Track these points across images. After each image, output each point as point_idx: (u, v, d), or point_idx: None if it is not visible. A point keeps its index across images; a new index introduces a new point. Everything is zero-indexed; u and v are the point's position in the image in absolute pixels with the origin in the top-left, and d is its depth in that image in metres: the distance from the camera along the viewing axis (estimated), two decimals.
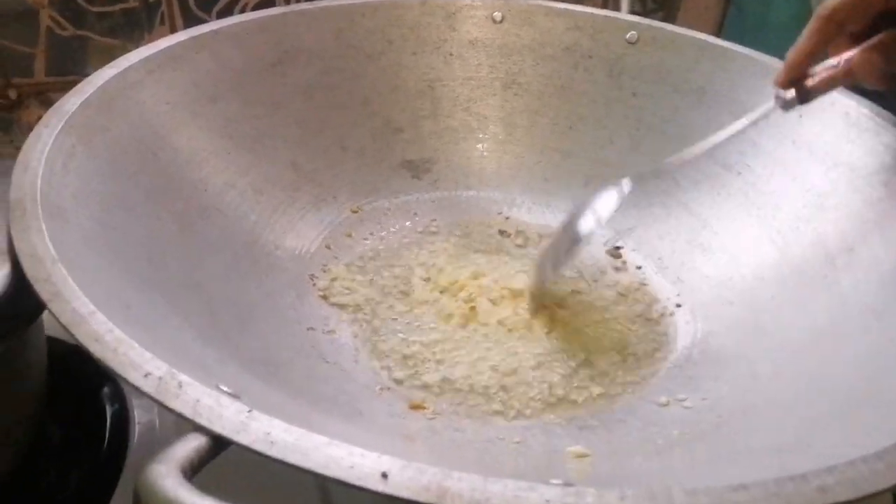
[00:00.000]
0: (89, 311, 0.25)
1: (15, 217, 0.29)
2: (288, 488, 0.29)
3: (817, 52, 0.36)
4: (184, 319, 0.32)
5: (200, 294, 0.36)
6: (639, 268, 0.50)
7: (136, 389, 0.22)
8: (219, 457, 0.21)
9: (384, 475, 0.20)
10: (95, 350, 0.23)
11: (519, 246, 0.52)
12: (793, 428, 0.31)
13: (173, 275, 0.36)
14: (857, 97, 0.46)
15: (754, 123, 0.39)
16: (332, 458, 0.20)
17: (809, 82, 0.37)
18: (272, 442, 0.21)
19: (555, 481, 0.21)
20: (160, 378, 0.22)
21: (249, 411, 0.22)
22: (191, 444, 0.20)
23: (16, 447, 0.33)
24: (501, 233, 0.53)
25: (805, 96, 0.37)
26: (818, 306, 0.40)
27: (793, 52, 0.37)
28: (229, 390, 0.24)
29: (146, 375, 0.23)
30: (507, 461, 0.33)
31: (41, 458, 0.36)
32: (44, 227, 0.28)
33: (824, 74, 0.36)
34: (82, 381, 0.40)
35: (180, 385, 0.22)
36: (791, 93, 0.37)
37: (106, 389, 0.40)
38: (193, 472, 0.19)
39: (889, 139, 0.43)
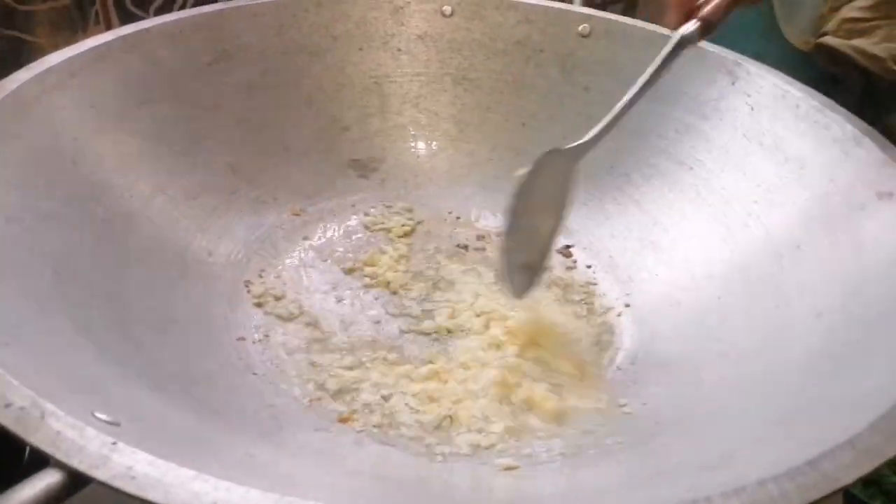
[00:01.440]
0: None
1: None
2: None
3: None
4: (87, 338, 0.30)
5: (115, 308, 0.35)
6: (589, 267, 0.48)
7: None
8: None
9: None
10: None
11: (478, 249, 0.50)
12: (725, 440, 0.30)
13: (84, 289, 0.34)
14: (807, 89, 0.45)
15: (659, 72, 0.41)
16: (195, 495, 0.19)
17: (703, 12, 0.38)
18: (133, 477, 0.19)
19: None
20: (22, 408, 0.21)
21: (114, 443, 0.20)
22: (39, 484, 0.19)
23: None
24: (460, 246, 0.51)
25: (706, 27, 0.38)
26: (764, 308, 0.39)
27: None
28: (107, 418, 0.22)
29: (7, 406, 0.21)
30: (432, 476, 0.31)
31: None
32: None
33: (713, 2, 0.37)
34: None
35: (42, 416, 0.21)
36: (690, 26, 0.38)
37: None
38: None
39: (837, 133, 0.42)
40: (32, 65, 0.41)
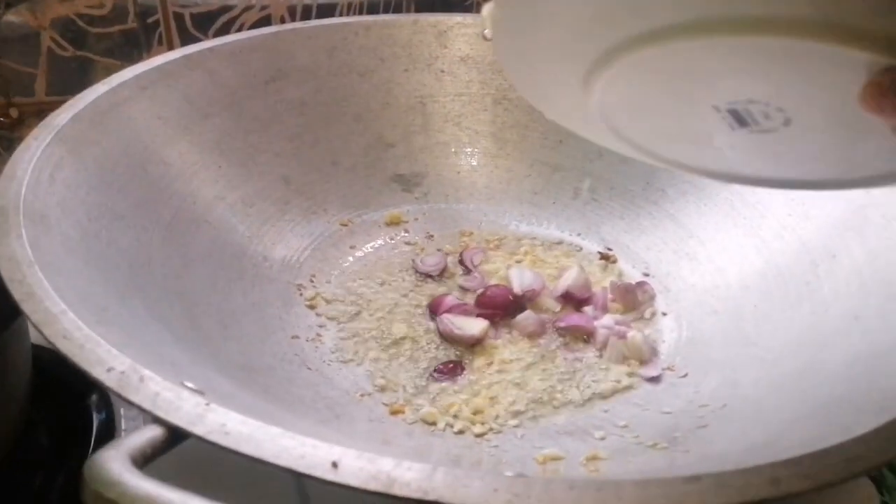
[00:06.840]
0: (60, 310, 0.25)
1: None
2: (265, 489, 0.29)
3: None
4: (162, 324, 0.33)
5: (183, 301, 0.37)
6: (621, 276, 0.50)
7: (99, 384, 0.23)
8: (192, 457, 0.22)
9: (334, 464, 0.20)
10: (62, 346, 0.24)
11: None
12: (765, 428, 0.31)
13: (156, 282, 0.36)
14: None
15: None
16: (284, 448, 0.21)
17: None
18: (227, 433, 0.21)
19: (508, 473, 0.21)
20: (122, 373, 0.23)
21: (207, 404, 0.22)
22: (145, 435, 0.21)
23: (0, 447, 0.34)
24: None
25: None
26: (801, 314, 0.40)
27: None
28: (194, 387, 0.24)
29: (109, 370, 0.23)
30: (485, 459, 0.33)
31: (29, 461, 0.37)
32: (24, 232, 0.29)
33: None
34: (70, 390, 0.41)
35: (142, 379, 0.23)
36: None
37: (93, 398, 0.41)
38: (146, 460, 0.20)
39: None
40: (108, 79, 0.44)
